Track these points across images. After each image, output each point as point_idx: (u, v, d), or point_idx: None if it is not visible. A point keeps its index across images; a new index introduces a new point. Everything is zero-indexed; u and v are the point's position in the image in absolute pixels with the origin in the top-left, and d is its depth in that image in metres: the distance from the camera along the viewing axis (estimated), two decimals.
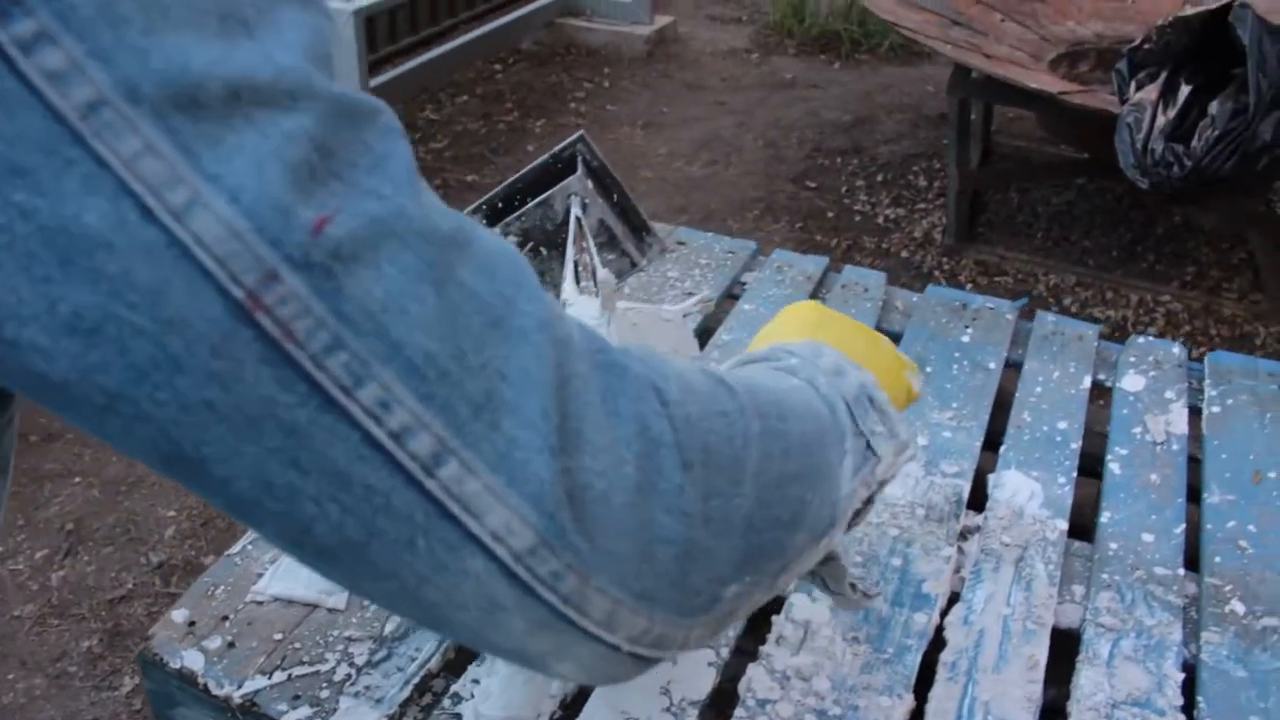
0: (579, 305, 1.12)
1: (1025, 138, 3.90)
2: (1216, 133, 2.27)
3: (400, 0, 4.22)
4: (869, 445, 0.74)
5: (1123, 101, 2.64)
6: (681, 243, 1.99)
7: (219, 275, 0.40)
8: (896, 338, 1.76)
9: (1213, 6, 2.47)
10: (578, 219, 1.43)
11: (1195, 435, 1.58)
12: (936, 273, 3.16)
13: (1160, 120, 2.37)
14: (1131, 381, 1.67)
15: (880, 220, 3.44)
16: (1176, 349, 1.76)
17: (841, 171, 3.75)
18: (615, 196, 1.56)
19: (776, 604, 1.25)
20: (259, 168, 0.40)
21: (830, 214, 3.47)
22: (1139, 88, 2.59)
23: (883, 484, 0.76)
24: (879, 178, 3.71)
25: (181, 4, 0.39)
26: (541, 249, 1.53)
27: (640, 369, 0.54)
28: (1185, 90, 2.42)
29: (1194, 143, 2.29)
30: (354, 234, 0.42)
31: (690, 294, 1.82)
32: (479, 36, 4.60)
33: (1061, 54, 3.56)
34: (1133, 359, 1.73)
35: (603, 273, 1.11)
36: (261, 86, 0.41)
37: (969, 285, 3.09)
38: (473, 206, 1.55)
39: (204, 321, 0.40)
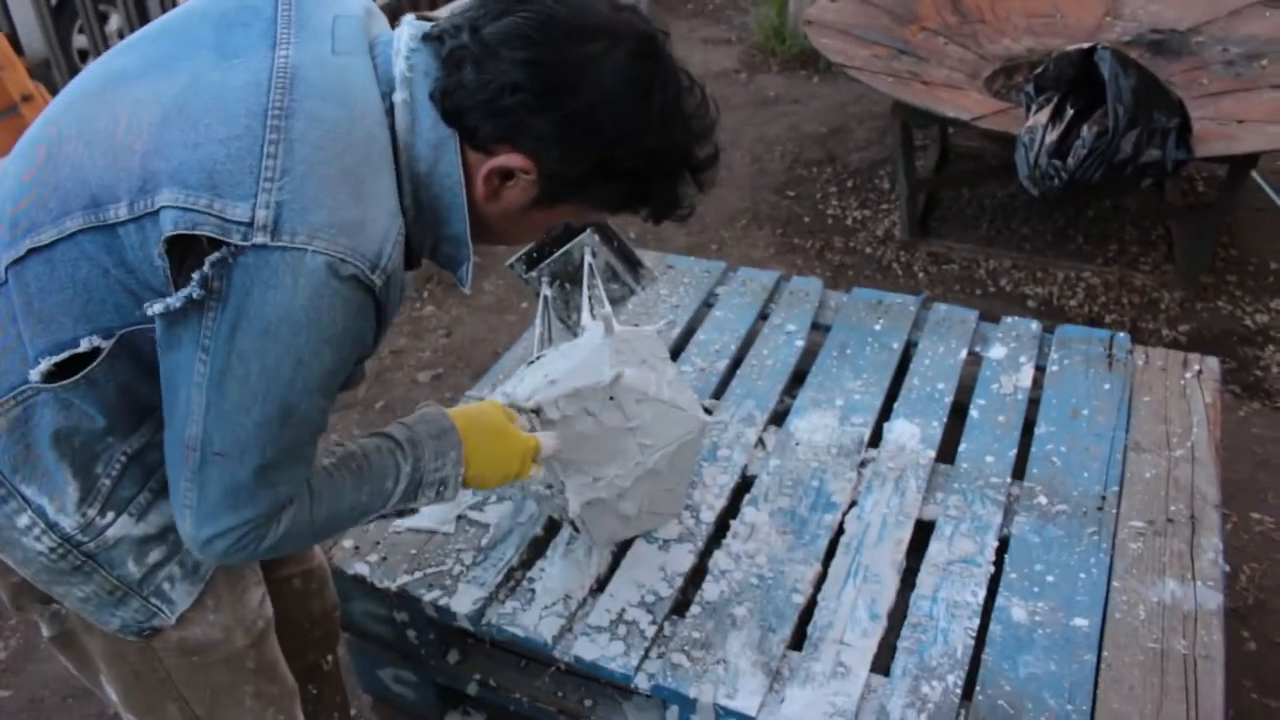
0: (591, 329, 1.78)
1: (978, 139, 4.49)
2: (1085, 150, 2.88)
3: None
4: (417, 497, 1.39)
5: (1028, 118, 3.26)
6: (671, 266, 2.65)
7: None
8: (827, 329, 2.41)
9: (1084, 46, 3.09)
10: (590, 265, 2.08)
11: (1039, 386, 2.22)
12: (894, 265, 3.78)
13: (1048, 140, 2.98)
14: (996, 351, 2.31)
15: (849, 222, 4.06)
16: (1034, 325, 2.39)
17: (817, 180, 4.38)
18: (616, 244, 2.21)
19: (733, 512, 1.91)
20: None
21: (807, 219, 4.10)
22: (1039, 109, 3.20)
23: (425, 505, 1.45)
24: (849, 184, 4.33)
25: None
26: (566, 284, 2.17)
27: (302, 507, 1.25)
28: (1069, 114, 3.03)
29: (1069, 159, 2.91)
30: None
31: (676, 306, 2.48)
32: None
33: (997, 69, 4.16)
34: (1000, 335, 2.37)
35: (604, 309, 1.76)
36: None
37: (921, 274, 3.71)
38: (515, 256, 2.19)
39: None
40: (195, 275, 1.06)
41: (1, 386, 1.19)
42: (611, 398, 1.65)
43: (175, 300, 1.08)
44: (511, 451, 1.51)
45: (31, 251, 1.15)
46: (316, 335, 1.10)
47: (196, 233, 1.06)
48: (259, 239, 1.06)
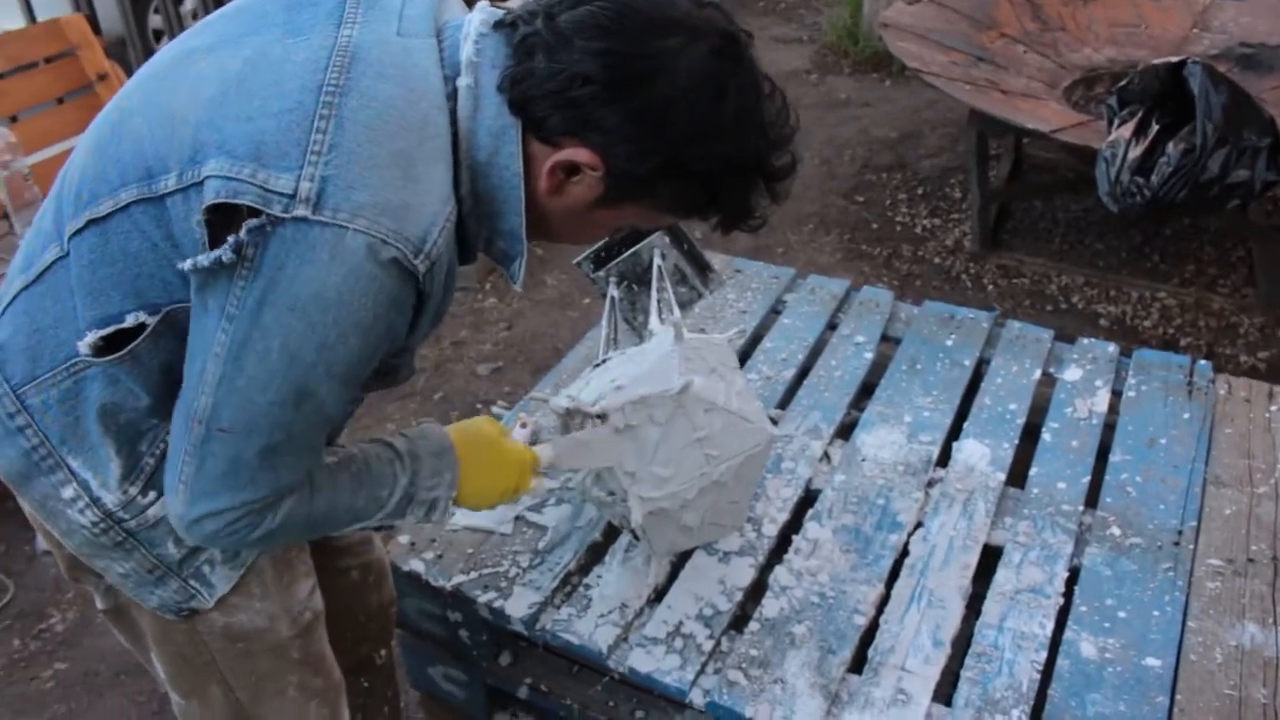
0: (660, 334, 1.74)
1: (1053, 150, 4.39)
2: (1170, 169, 2.80)
3: None
4: (405, 514, 1.35)
5: (1109, 132, 3.18)
6: (739, 270, 2.61)
7: None
8: (897, 342, 2.36)
9: (1173, 60, 3.00)
10: (659, 267, 2.04)
11: (1114, 412, 2.15)
12: (964, 276, 3.71)
13: (1130, 156, 2.90)
14: (1071, 373, 2.25)
15: (918, 230, 3.99)
16: (1111, 348, 2.32)
17: (886, 186, 4.31)
18: (686, 246, 2.17)
19: (797, 527, 1.87)
20: None
21: (875, 225, 4.04)
22: (1122, 123, 3.12)
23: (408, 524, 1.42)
24: (919, 191, 4.26)
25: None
26: (633, 285, 2.14)
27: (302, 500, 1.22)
28: (1154, 129, 2.95)
29: (1153, 177, 2.83)
30: None
31: (744, 312, 2.44)
32: None
33: (1077, 79, 4.07)
34: (1076, 356, 2.30)
35: (675, 315, 1.72)
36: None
37: (990, 287, 3.64)
38: (583, 255, 2.16)
39: None
40: (230, 239, 1.05)
41: (56, 357, 1.20)
42: (680, 407, 1.62)
43: (204, 259, 1.06)
44: (507, 465, 1.46)
45: (90, 222, 1.15)
46: (345, 319, 1.08)
47: (237, 201, 1.05)
48: (300, 211, 1.04)
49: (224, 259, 1.05)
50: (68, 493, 1.25)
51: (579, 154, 1.15)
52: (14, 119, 3.37)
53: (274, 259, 1.05)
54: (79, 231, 1.16)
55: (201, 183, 1.08)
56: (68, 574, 1.45)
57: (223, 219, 1.07)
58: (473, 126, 1.16)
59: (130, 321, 1.15)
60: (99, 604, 1.49)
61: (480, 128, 1.16)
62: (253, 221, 1.04)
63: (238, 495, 1.14)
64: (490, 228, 1.23)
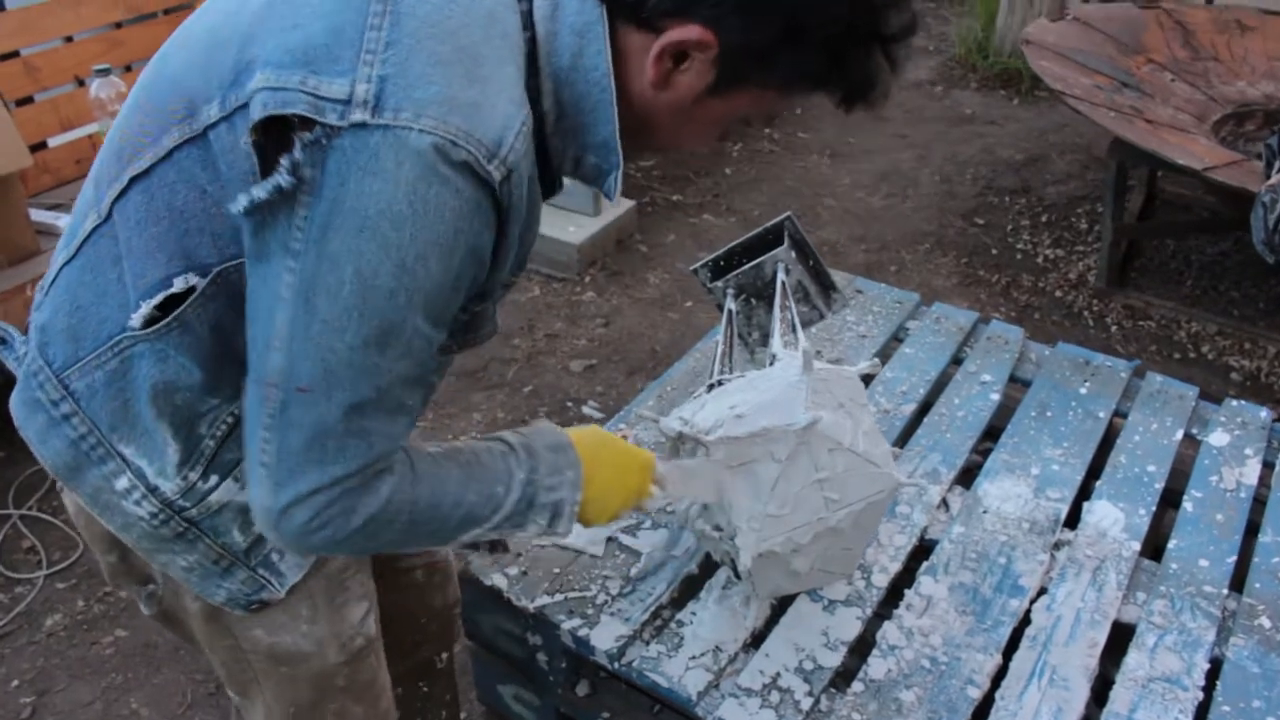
0: (785, 361, 1.60)
1: (1189, 186, 4.15)
2: None
3: None
4: (526, 521, 1.19)
5: (1268, 175, 2.95)
6: (860, 291, 2.46)
7: None
8: (1027, 384, 2.19)
9: None
10: (782, 283, 1.90)
11: (1266, 485, 1.96)
12: (1085, 313, 3.50)
13: None
14: (1218, 438, 2.06)
15: (1040, 260, 3.79)
16: (1264, 413, 2.13)
17: (1009, 210, 4.11)
18: (811, 262, 2.03)
19: (909, 580, 1.73)
20: None
21: (994, 251, 3.84)
22: None
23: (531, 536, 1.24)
24: (1043, 218, 4.05)
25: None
26: (752, 299, 2.01)
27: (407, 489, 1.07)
28: None
29: None
30: None
31: (864, 336, 2.29)
32: None
33: (1228, 114, 3.82)
34: (1223, 419, 2.11)
35: (804, 342, 1.59)
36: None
37: (1114, 328, 3.43)
38: (701, 263, 2.03)
39: None
40: (284, 160, 0.91)
41: (99, 335, 1.09)
42: (803, 444, 1.48)
43: (261, 190, 0.92)
44: (630, 464, 1.31)
45: (133, 181, 1.04)
46: (421, 235, 0.93)
47: (287, 112, 0.92)
48: (357, 117, 0.91)
49: (282, 184, 0.92)
50: (121, 484, 1.14)
51: (689, 32, 1.00)
52: (128, 68, 3.33)
53: (335, 175, 0.92)
54: (123, 193, 1.05)
55: (248, 103, 0.95)
56: (110, 580, 1.34)
57: (275, 140, 0.93)
58: (553, 28, 1.03)
59: (179, 286, 1.03)
60: (144, 610, 1.38)
61: (562, 27, 1.03)
62: (307, 135, 0.91)
63: (327, 470, 0.99)
64: (579, 143, 1.09)
